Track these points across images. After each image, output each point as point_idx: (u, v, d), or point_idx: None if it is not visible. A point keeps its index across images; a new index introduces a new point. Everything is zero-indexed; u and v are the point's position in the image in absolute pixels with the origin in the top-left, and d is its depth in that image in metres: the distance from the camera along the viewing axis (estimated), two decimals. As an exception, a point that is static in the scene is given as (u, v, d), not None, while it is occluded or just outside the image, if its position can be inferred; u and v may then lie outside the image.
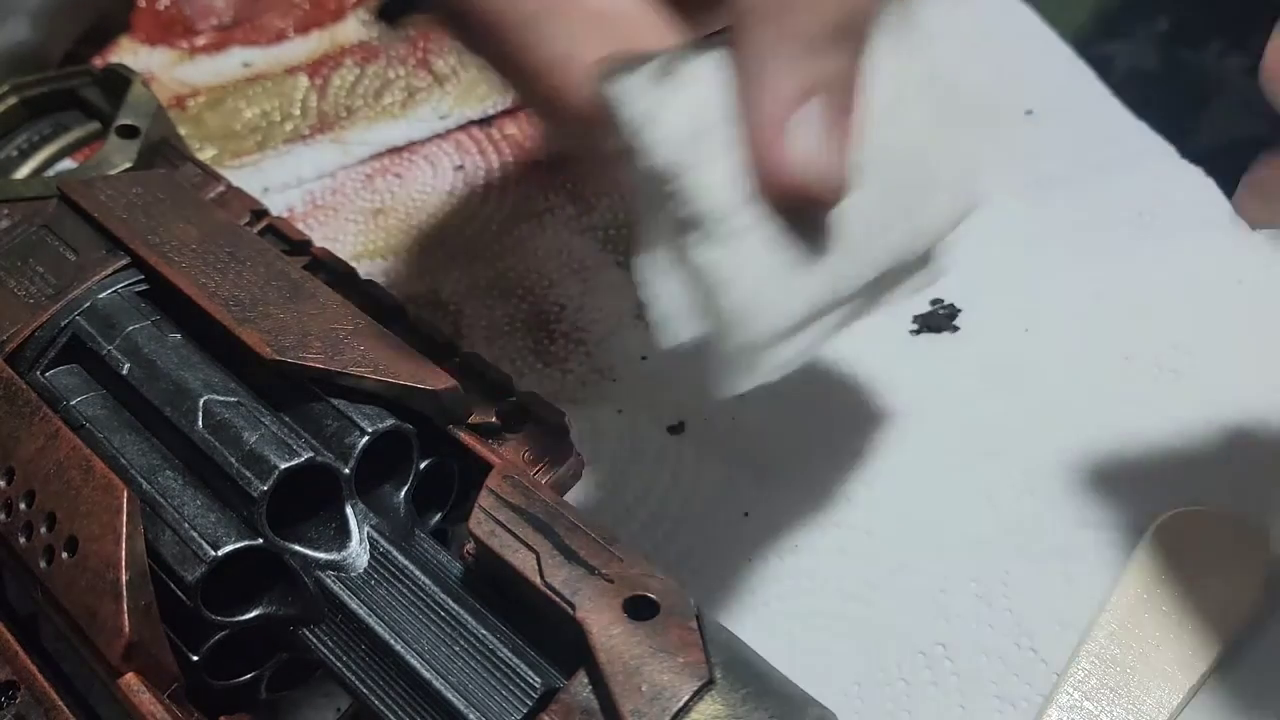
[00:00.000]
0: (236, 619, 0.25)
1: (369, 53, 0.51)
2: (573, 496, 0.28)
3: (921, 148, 0.27)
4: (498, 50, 0.24)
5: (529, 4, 0.23)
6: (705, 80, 0.23)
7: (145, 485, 0.26)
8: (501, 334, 0.40)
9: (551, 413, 0.29)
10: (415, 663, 0.24)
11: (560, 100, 0.23)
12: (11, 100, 0.39)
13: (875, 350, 0.37)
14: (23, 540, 0.25)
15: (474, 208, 0.45)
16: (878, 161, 0.25)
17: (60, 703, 0.24)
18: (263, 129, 0.49)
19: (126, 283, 0.29)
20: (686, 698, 0.22)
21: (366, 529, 0.26)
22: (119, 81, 0.39)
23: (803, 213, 0.23)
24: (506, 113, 0.48)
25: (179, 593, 0.24)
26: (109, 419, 0.27)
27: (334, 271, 0.32)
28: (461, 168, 0.47)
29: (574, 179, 0.45)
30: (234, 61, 0.51)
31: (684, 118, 0.22)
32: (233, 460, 0.25)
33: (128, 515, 0.24)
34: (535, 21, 0.23)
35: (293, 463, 0.25)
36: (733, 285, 0.22)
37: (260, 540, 0.25)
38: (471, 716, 0.23)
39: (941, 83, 0.27)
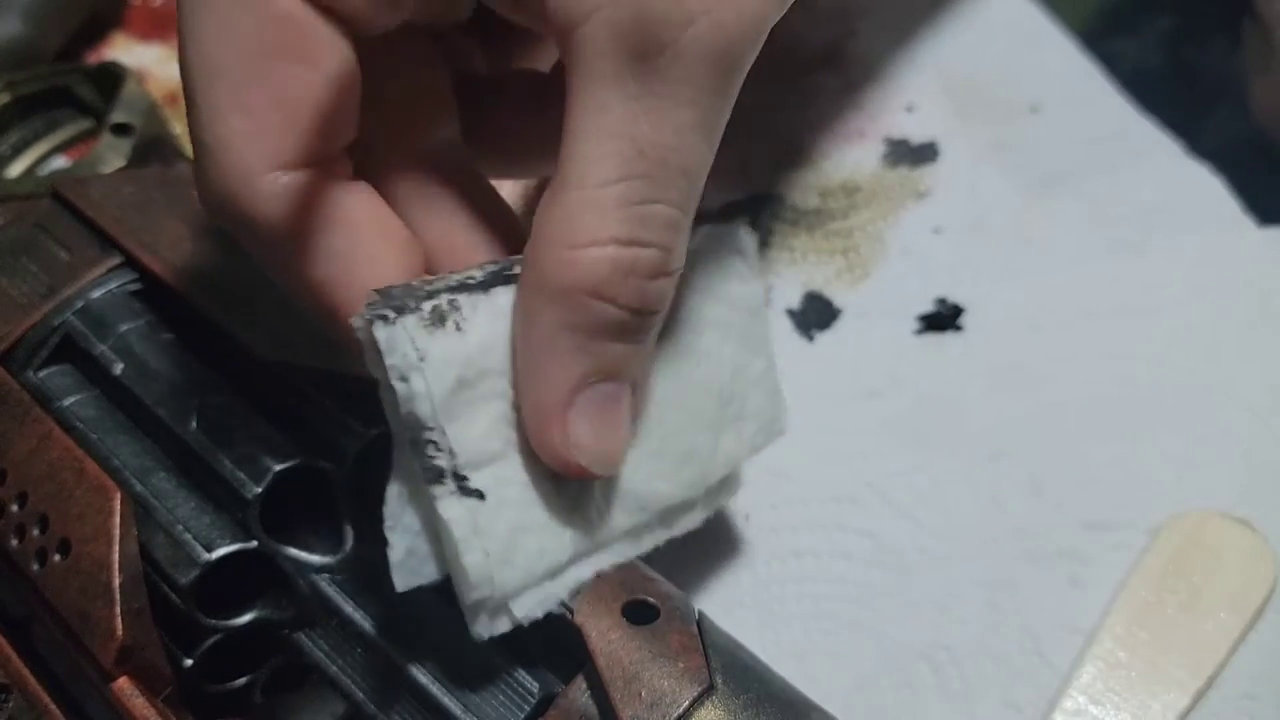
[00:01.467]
0: (230, 622, 0.25)
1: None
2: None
3: (730, 379, 0.27)
4: (263, 259, 0.23)
5: (272, 222, 0.21)
6: (476, 331, 0.22)
7: (138, 487, 0.26)
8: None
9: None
10: (411, 667, 0.24)
11: (331, 324, 0.23)
12: (4, 97, 0.38)
13: (879, 350, 0.37)
14: (15, 542, 0.25)
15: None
16: (683, 396, 0.25)
17: (53, 707, 0.24)
18: (259, 126, 0.48)
19: (120, 282, 0.29)
20: (687, 704, 0.21)
21: (362, 532, 0.26)
22: (112, 78, 0.39)
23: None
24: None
25: (173, 596, 0.24)
26: (102, 420, 0.27)
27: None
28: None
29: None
30: (230, 58, 0.51)
31: (450, 370, 0.21)
32: (226, 462, 0.25)
33: (120, 518, 0.24)
34: (298, 239, 0.22)
35: (286, 464, 0.25)
36: (474, 545, 0.21)
37: (254, 543, 0.25)
38: (468, 722, 0.23)
39: (757, 307, 0.27)
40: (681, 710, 0.21)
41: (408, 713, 0.24)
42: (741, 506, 0.34)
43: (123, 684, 0.23)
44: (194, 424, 0.26)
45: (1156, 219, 0.39)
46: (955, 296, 0.38)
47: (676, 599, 0.24)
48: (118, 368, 0.27)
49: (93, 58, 0.47)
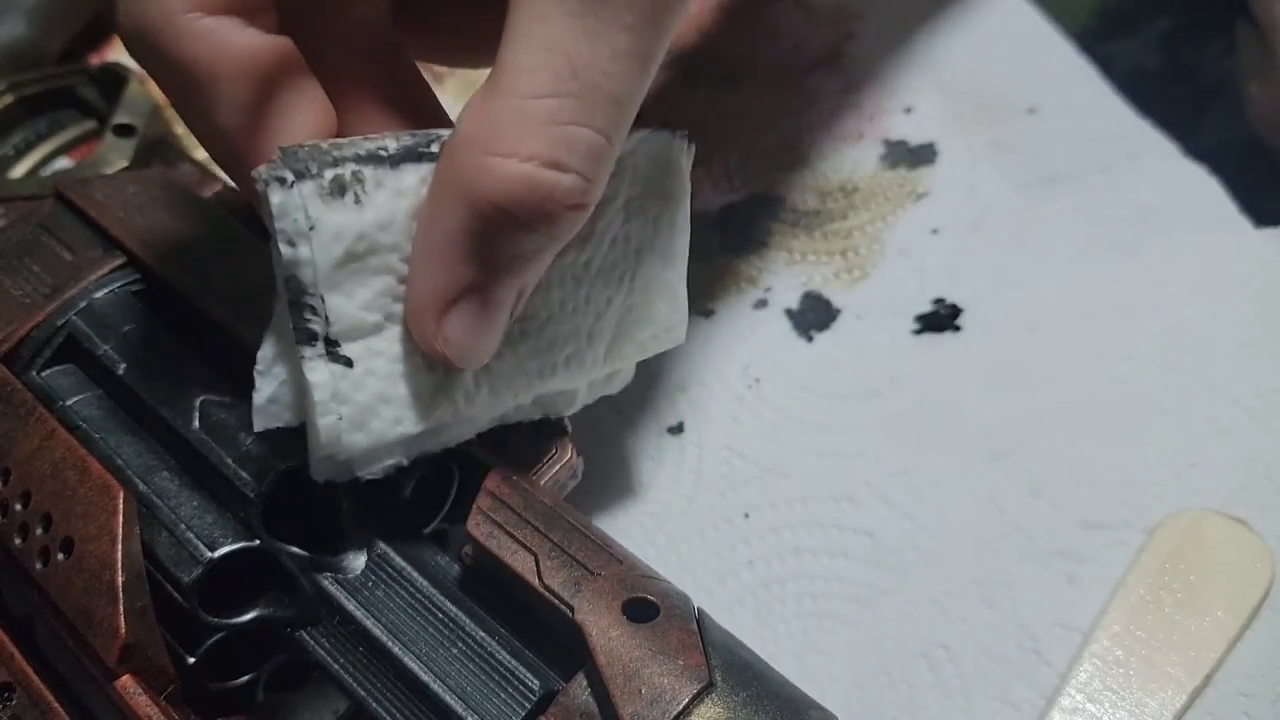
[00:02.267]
0: (233, 621, 0.25)
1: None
2: (571, 498, 0.28)
3: (635, 287, 0.27)
4: (175, 101, 0.23)
5: (185, 60, 0.21)
6: (375, 207, 0.22)
7: (141, 486, 0.26)
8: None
9: (550, 413, 0.28)
10: (413, 665, 0.24)
11: (236, 174, 0.23)
12: (8, 98, 0.39)
13: (877, 350, 0.37)
14: (18, 541, 0.25)
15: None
16: (578, 298, 0.26)
17: (56, 704, 0.24)
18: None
19: (123, 282, 0.29)
20: (686, 700, 0.22)
21: (364, 530, 0.26)
22: (115, 80, 0.39)
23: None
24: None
25: (175, 594, 0.24)
26: (105, 419, 0.27)
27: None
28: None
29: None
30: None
31: (339, 243, 0.22)
32: (229, 461, 0.25)
33: (124, 516, 0.24)
34: (211, 84, 0.22)
35: (289, 463, 0.25)
36: (330, 408, 0.22)
37: (257, 541, 0.25)
38: (469, 719, 0.23)
39: (681, 222, 0.27)
40: (681, 707, 0.21)
41: (409, 710, 0.24)
42: (741, 505, 0.34)
43: (125, 682, 0.23)
44: (196, 423, 0.26)
45: (1154, 219, 0.39)
46: (953, 297, 0.38)
47: (676, 597, 0.24)
48: (120, 367, 0.27)
49: (96, 59, 0.47)
